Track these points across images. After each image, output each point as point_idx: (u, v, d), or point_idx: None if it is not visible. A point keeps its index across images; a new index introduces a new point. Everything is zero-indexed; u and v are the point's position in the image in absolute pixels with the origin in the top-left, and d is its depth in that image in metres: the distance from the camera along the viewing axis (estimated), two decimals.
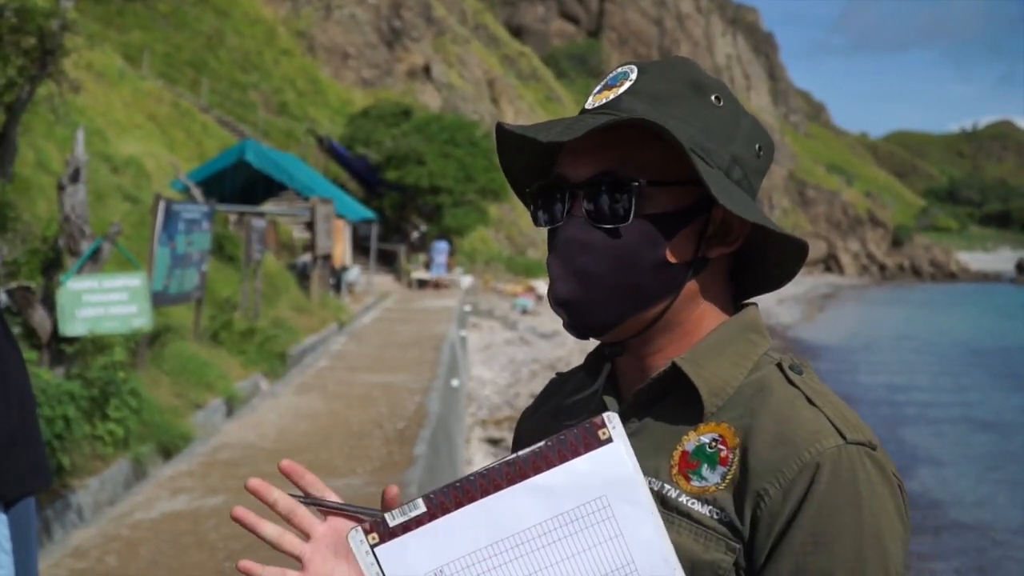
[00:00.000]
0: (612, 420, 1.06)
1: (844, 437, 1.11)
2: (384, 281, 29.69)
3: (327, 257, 20.67)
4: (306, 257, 20.82)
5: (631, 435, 1.18)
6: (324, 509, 1.17)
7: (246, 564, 1.13)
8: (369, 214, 27.77)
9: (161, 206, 9.48)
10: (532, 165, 1.27)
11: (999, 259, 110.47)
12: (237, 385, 10.78)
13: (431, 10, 54.28)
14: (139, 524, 6.57)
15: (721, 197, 1.12)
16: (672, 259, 1.18)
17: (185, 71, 36.98)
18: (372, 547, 1.07)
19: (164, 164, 19.35)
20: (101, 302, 7.78)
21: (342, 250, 23.48)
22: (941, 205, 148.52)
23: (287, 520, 1.16)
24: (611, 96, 1.20)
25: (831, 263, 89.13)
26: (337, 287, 22.25)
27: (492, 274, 36.83)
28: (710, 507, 1.12)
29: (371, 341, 16.72)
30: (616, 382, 1.26)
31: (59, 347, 7.60)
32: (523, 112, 57.53)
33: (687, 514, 1.13)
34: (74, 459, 6.73)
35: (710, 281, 1.22)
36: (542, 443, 1.06)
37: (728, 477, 1.12)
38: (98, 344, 7.75)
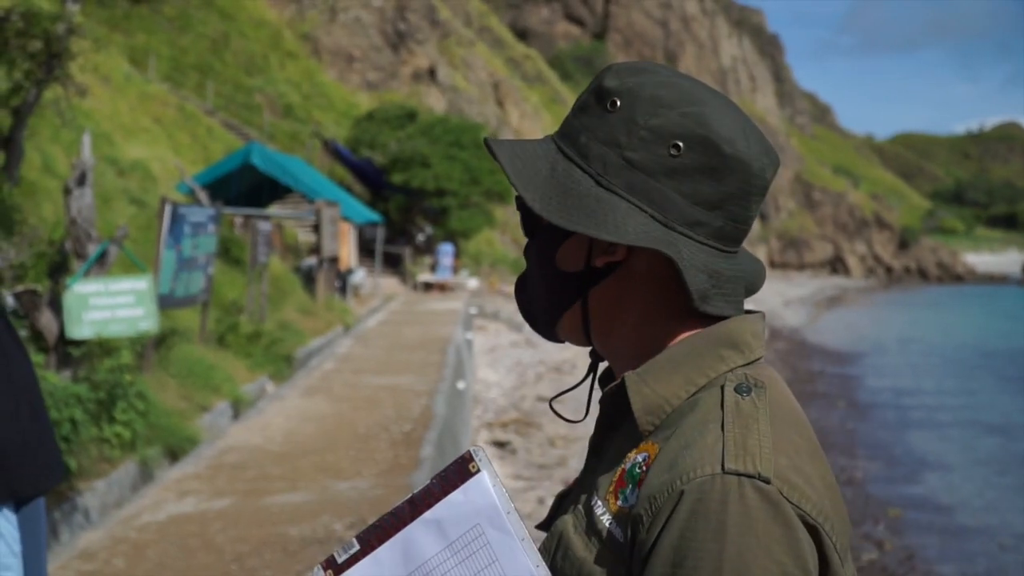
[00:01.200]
0: (479, 453, 1.16)
1: (723, 466, 1.04)
2: (390, 283, 29.71)
3: (333, 260, 20.69)
4: (312, 260, 20.84)
5: (601, 450, 1.22)
6: None
7: None
8: (375, 217, 27.79)
9: (167, 209, 9.50)
10: None
11: (1006, 261, 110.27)
12: (243, 388, 10.80)
13: (436, 13, 54.31)
14: (146, 526, 6.58)
15: (535, 204, 1.15)
16: (564, 268, 1.22)
17: (190, 74, 37.04)
18: None
19: (170, 167, 19.38)
20: (108, 305, 7.79)
21: (348, 253, 23.50)
22: (947, 207, 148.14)
23: None
24: None
25: (837, 265, 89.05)
26: (343, 290, 22.26)
27: (498, 276, 36.83)
28: (620, 528, 1.11)
29: (377, 344, 16.73)
30: None
31: (66, 350, 7.61)
32: (528, 114, 57.54)
33: (599, 534, 1.13)
34: (81, 461, 6.74)
35: (634, 289, 1.19)
36: (430, 480, 1.18)
37: (638, 499, 1.10)
38: (105, 347, 7.76)
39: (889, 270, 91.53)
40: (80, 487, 6.60)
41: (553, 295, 1.23)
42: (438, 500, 1.16)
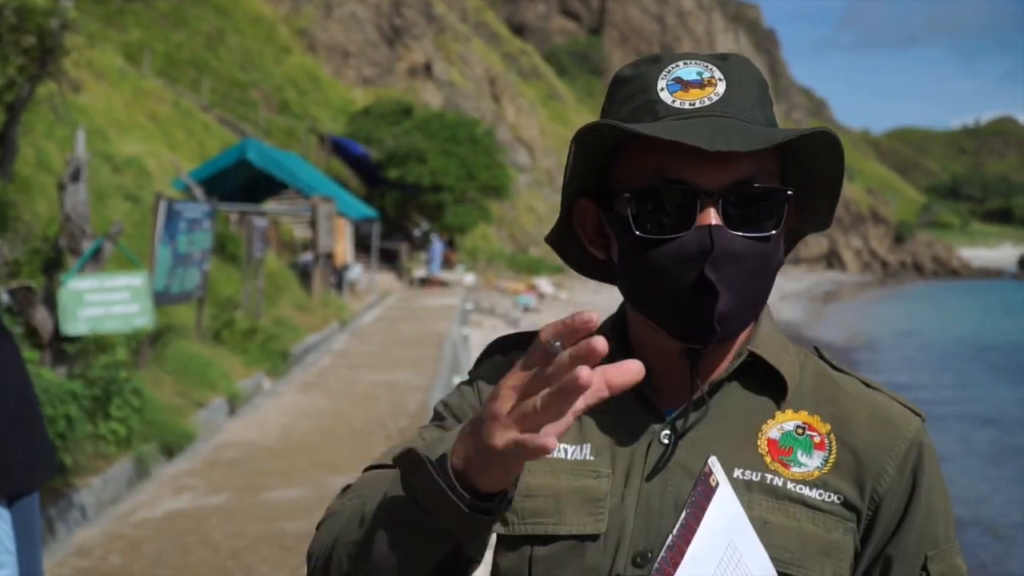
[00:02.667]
0: (715, 465, 1.12)
1: (920, 415, 1.23)
2: (386, 279, 29.70)
3: (329, 256, 20.67)
4: (308, 256, 20.82)
5: (697, 427, 1.18)
6: None
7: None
8: (371, 212, 27.77)
9: (162, 205, 9.48)
10: (590, 166, 1.19)
11: (1001, 255, 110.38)
12: (239, 384, 10.78)
13: (432, 8, 54.26)
14: (142, 523, 6.57)
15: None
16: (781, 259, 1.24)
17: (186, 70, 36.97)
18: None
19: (165, 163, 19.34)
20: (103, 301, 7.78)
21: (344, 249, 23.49)
22: (943, 202, 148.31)
23: None
24: (713, 95, 1.15)
25: (833, 260, 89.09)
26: (339, 286, 22.25)
27: (494, 272, 36.82)
28: (819, 490, 1.16)
29: (373, 339, 16.73)
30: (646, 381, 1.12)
31: (61, 347, 7.60)
32: (524, 110, 57.49)
33: (800, 500, 1.15)
34: (77, 458, 6.73)
35: None
36: (683, 514, 1.11)
37: (831, 461, 1.17)
38: (100, 343, 7.75)
39: (885, 265, 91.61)
40: (76, 484, 6.59)
41: (770, 290, 1.22)
42: (694, 531, 1.10)
